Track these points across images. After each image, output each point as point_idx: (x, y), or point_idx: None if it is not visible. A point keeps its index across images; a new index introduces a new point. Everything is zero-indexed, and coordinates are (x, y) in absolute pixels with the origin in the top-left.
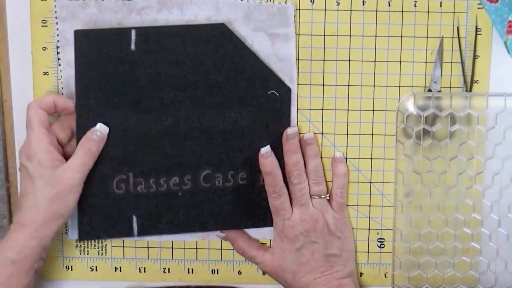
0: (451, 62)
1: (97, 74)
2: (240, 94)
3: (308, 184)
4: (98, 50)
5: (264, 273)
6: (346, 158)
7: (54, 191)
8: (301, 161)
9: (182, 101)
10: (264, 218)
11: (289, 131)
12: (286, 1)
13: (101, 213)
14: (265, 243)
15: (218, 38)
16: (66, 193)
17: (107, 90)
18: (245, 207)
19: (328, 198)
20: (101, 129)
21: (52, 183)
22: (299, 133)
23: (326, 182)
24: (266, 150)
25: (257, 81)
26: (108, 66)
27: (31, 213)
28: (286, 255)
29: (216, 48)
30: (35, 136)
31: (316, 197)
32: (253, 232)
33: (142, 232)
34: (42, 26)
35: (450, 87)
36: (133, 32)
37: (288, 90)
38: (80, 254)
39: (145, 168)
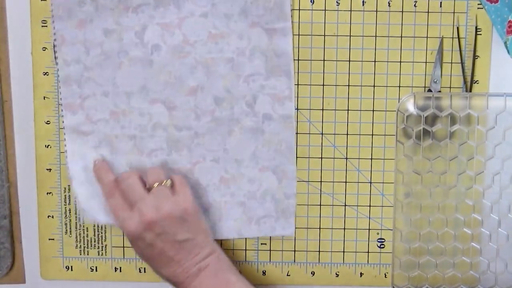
0: (451, 62)
1: None
2: None
3: (147, 174)
4: None
5: (264, 273)
6: (346, 158)
7: None
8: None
9: None
10: None
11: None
12: None
13: None
14: (265, 243)
15: None
16: None
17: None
18: None
19: (169, 184)
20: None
21: None
22: None
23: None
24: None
25: None
26: None
27: None
28: (141, 252)
29: None
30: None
31: (156, 184)
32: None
33: None
34: (42, 26)
35: (450, 87)
36: None
37: None
38: (80, 254)
39: None
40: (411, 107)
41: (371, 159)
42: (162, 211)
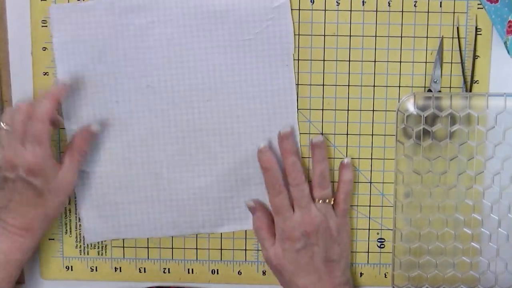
0: (451, 62)
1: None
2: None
3: (313, 187)
4: None
5: (264, 273)
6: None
7: (61, 200)
8: (298, 162)
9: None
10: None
11: (283, 132)
12: None
13: None
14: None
15: None
16: (67, 196)
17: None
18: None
19: (332, 203)
20: (93, 127)
21: (58, 192)
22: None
23: (332, 187)
24: (264, 145)
25: None
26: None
27: (37, 221)
28: (286, 254)
29: None
30: (43, 154)
31: (321, 201)
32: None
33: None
34: (42, 26)
35: (450, 87)
36: None
37: None
38: (80, 254)
39: None
40: (411, 107)
41: (371, 159)
42: (326, 223)
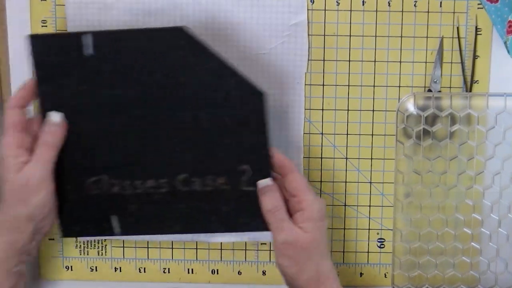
0: (451, 62)
1: (56, 79)
2: (199, 97)
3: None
4: (53, 55)
5: (264, 273)
6: (346, 158)
7: (19, 194)
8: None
9: (144, 102)
10: (247, 222)
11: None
12: None
13: (78, 212)
14: (265, 243)
15: (175, 42)
16: (31, 194)
17: (69, 95)
18: (228, 211)
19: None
20: (53, 118)
21: (16, 185)
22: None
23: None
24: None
25: (217, 83)
26: (65, 71)
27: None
28: (320, 233)
29: (172, 52)
30: (4, 141)
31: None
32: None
33: (124, 232)
34: (42, 26)
35: (450, 87)
36: (89, 37)
37: (260, 95)
38: (80, 254)
39: (119, 170)
40: (411, 107)
41: (371, 159)
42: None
